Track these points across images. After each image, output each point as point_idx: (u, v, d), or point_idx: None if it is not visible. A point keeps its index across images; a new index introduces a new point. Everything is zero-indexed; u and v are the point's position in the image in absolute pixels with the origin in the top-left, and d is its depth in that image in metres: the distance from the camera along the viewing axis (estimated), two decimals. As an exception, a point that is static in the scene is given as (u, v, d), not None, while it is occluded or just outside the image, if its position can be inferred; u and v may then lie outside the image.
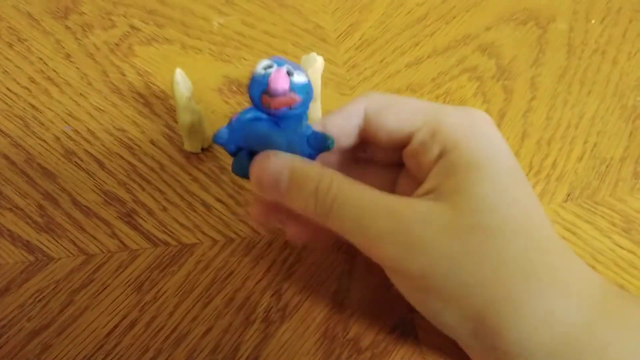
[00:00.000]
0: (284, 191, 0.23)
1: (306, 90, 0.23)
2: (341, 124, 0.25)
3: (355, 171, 0.27)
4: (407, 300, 0.23)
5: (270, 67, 0.22)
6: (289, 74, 0.22)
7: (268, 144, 0.24)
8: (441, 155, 0.22)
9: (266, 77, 0.22)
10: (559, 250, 0.21)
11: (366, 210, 0.22)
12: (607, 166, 0.33)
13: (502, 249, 0.20)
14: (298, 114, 0.23)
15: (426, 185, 0.22)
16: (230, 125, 0.24)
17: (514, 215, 0.21)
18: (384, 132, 0.24)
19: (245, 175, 0.25)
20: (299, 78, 0.22)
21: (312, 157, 0.24)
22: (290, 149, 0.24)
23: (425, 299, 0.22)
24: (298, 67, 0.23)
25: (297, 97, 0.22)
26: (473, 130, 0.22)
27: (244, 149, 0.25)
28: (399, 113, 0.24)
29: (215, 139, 0.24)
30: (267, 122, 0.24)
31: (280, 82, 0.22)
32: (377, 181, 0.27)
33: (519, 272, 0.20)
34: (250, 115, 0.24)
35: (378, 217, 0.21)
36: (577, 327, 0.20)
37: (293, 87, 0.22)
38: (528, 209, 0.21)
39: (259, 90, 0.23)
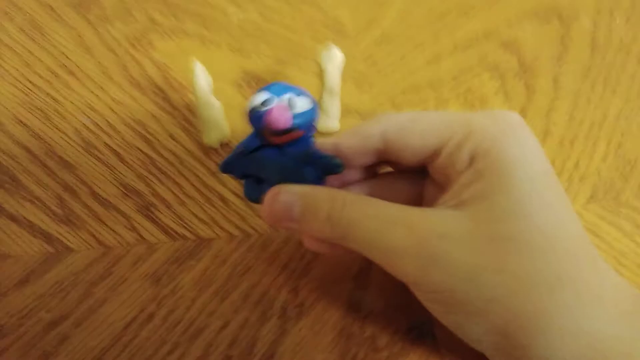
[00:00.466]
0: (298, 221, 0.23)
1: (309, 118, 0.22)
2: (356, 145, 0.24)
3: (378, 184, 0.27)
4: (429, 311, 0.23)
5: (268, 100, 0.21)
6: (290, 104, 0.21)
7: (275, 173, 0.23)
8: (470, 163, 0.21)
9: (266, 111, 0.21)
10: (588, 260, 0.21)
11: (382, 226, 0.21)
12: (631, 167, 0.33)
13: (524, 261, 0.19)
14: (303, 139, 0.22)
15: (449, 193, 0.22)
16: (234, 155, 0.23)
17: (540, 222, 0.20)
18: (408, 151, 0.23)
19: (255, 200, 0.24)
20: (301, 106, 0.21)
21: (320, 179, 0.24)
22: (297, 175, 0.23)
23: (447, 312, 0.21)
24: (300, 92, 0.22)
25: (299, 132, 0.22)
26: (502, 136, 0.21)
27: (250, 176, 0.24)
28: (423, 129, 0.23)
29: (221, 169, 0.24)
30: (273, 150, 0.23)
31: (280, 121, 0.21)
32: (403, 192, 0.26)
33: (544, 285, 0.19)
34: (254, 144, 0.23)
35: (395, 232, 0.21)
36: (606, 339, 0.19)
37: (295, 122, 0.21)
38: (558, 216, 0.20)
39: (259, 125, 0.21)
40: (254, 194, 0.24)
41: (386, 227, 0.21)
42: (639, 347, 0.19)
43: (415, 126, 0.23)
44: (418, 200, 0.26)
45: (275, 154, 0.23)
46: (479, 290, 0.20)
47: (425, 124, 0.23)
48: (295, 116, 0.21)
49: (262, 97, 0.21)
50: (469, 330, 0.21)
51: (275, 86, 0.22)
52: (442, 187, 0.24)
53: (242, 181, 0.25)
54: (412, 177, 0.26)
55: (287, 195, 0.23)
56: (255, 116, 0.21)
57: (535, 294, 0.19)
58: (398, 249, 0.21)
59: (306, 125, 0.22)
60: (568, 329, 0.19)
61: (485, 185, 0.20)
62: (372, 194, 0.26)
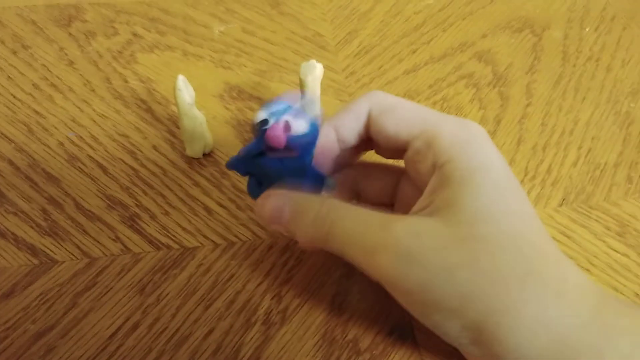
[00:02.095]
0: (285, 223, 0.25)
1: (305, 140, 0.23)
2: (350, 123, 0.26)
3: (358, 174, 0.29)
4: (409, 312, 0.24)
5: (266, 121, 0.23)
6: (287, 127, 0.23)
7: (274, 180, 0.25)
8: (435, 167, 0.23)
9: (264, 129, 0.23)
10: (552, 258, 0.22)
11: (360, 228, 0.23)
12: (601, 171, 0.34)
13: (495, 259, 0.21)
14: (302, 156, 0.24)
15: (421, 203, 0.23)
16: (239, 156, 0.25)
17: (507, 225, 0.21)
18: (382, 136, 0.25)
19: (255, 197, 0.27)
20: (297, 129, 0.23)
21: (315, 188, 0.26)
22: (292, 184, 0.25)
23: (425, 311, 0.22)
24: (300, 112, 0.23)
25: (294, 152, 0.23)
26: (467, 143, 0.23)
27: (253, 175, 0.26)
28: (398, 120, 0.25)
29: (227, 166, 0.26)
30: (274, 159, 0.24)
31: (274, 142, 0.23)
32: (380, 184, 0.28)
33: (513, 281, 0.20)
34: (257, 149, 0.24)
35: (372, 233, 0.22)
36: (573, 332, 0.20)
37: (290, 142, 0.23)
38: (522, 219, 0.22)
39: (260, 142, 0.23)
40: (254, 193, 0.27)
41: (364, 228, 0.23)
42: (604, 339, 0.20)
43: (391, 114, 0.25)
44: (392, 196, 0.28)
45: (275, 163, 0.25)
46: (453, 287, 0.21)
47: (401, 115, 0.25)
48: (290, 138, 0.23)
49: (262, 115, 0.23)
50: (447, 329, 0.22)
51: (277, 106, 0.23)
52: (415, 185, 0.26)
53: (246, 178, 0.27)
54: (388, 173, 0.28)
55: (278, 199, 0.25)
56: (257, 131, 0.23)
57: (506, 289, 0.20)
58: (375, 247, 0.22)
59: (301, 146, 0.23)
60: (536, 322, 0.20)
61: (454, 193, 0.22)
62: (353, 182, 0.28)
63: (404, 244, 0.21)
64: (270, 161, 0.25)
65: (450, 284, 0.21)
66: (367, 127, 0.26)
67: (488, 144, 0.23)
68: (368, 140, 0.27)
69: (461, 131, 0.23)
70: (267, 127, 0.23)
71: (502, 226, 0.21)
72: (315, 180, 0.25)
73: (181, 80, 0.31)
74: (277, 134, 0.22)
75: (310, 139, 0.24)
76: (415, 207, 0.23)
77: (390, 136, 0.25)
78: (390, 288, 0.23)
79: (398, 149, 0.25)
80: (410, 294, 0.22)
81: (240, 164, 0.26)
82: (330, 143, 0.26)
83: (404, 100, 0.25)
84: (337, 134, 0.26)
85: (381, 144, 0.26)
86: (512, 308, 0.20)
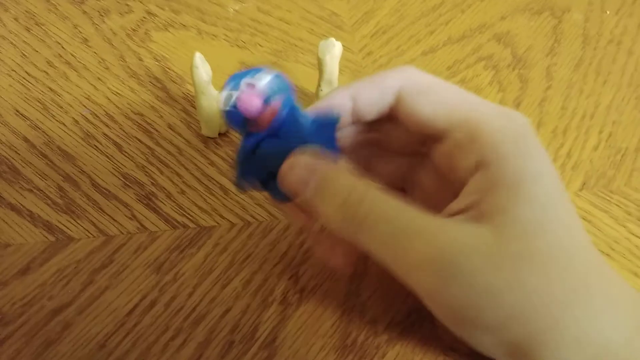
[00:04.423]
0: (309, 197, 0.21)
1: (276, 85, 0.21)
2: (373, 97, 0.23)
3: (370, 154, 0.27)
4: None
5: (230, 96, 0.21)
6: (251, 84, 0.21)
7: (281, 161, 0.22)
8: (480, 165, 0.21)
9: (235, 106, 0.21)
10: (597, 270, 0.20)
11: (403, 232, 0.20)
12: (622, 156, 0.34)
13: (546, 277, 0.19)
14: (289, 114, 0.22)
15: (464, 201, 0.21)
16: (240, 165, 0.23)
17: (557, 238, 0.20)
18: (415, 119, 0.22)
19: (284, 199, 0.24)
20: (263, 81, 0.21)
21: (329, 140, 0.23)
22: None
23: (462, 326, 0.21)
24: (257, 70, 0.21)
25: (277, 103, 0.21)
26: (515, 141, 0.20)
27: (266, 179, 0.23)
28: (436, 103, 0.22)
29: (239, 186, 0.24)
30: (268, 139, 0.22)
31: (252, 103, 0.21)
32: (392, 167, 0.27)
33: (562, 299, 0.19)
34: (250, 143, 0.22)
35: (416, 242, 0.20)
36: (616, 345, 0.19)
37: (266, 97, 0.21)
38: (570, 230, 0.20)
39: (239, 121, 0.21)
40: (278, 194, 0.23)
41: (404, 234, 0.20)
42: None
43: (428, 97, 0.22)
44: (403, 180, 0.26)
45: (274, 142, 0.22)
46: (497, 309, 0.19)
47: (439, 98, 0.22)
48: (263, 92, 0.21)
49: (223, 96, 0.21)
50: (480, 342, 0.21)
51: (231, 81, 0.21)
52: (442, 175, 0.23)
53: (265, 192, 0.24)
54: (405, 155, 0.26)
55: (303, 171, 0.21)
56: (230, 116, 0.21)
57: (553, 308, 0.19)
58: (417, 261, 0.20)
59: (278, 91, 0.21)
60: (578, 339, 0.19)
61: (504, 198, 0.20)
62: (365, 162, 0.26)
63: (449, 259, 0.19)
64: (269, 142, 0.22)
65: (494, 305, 0.19)
66: (394, 107, 0.23)
67: (535, 143, 0.21)
68: (386, 121, 0.24)
69: (509, 126, 0.21)
70: (234, 99, 0.21)
71: (554, 239, 0.19)
72: (321, 127, 0.23)
73: (198, 58, 0.30)
74: (248, 96, 0.21)
75: (280, 82, 0.21)
76: (454, 206, 0.21)
77: (424, 121, 0.22)
78: (426, 300, 0.21)
79: (425, 137, 0.23)
80: (449, 309, 0.20)
81: (248, 172, 0.23)
82: (343, 112, 0.22)
83: (441, 80, 0.22)
84: (354, 104, 0.23)
85: (409, 127, 0.23)
86: (555, 327, 0.19)
